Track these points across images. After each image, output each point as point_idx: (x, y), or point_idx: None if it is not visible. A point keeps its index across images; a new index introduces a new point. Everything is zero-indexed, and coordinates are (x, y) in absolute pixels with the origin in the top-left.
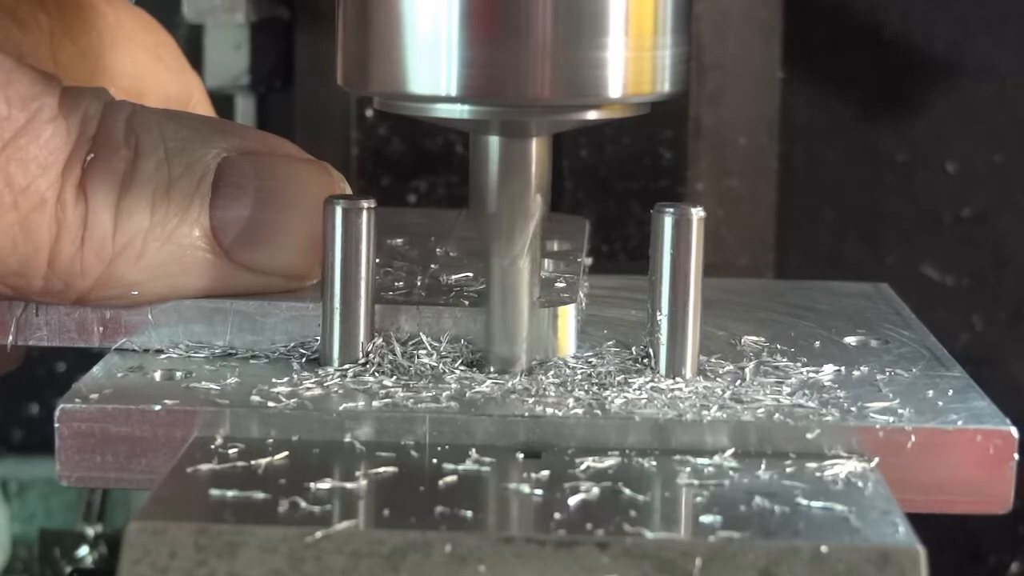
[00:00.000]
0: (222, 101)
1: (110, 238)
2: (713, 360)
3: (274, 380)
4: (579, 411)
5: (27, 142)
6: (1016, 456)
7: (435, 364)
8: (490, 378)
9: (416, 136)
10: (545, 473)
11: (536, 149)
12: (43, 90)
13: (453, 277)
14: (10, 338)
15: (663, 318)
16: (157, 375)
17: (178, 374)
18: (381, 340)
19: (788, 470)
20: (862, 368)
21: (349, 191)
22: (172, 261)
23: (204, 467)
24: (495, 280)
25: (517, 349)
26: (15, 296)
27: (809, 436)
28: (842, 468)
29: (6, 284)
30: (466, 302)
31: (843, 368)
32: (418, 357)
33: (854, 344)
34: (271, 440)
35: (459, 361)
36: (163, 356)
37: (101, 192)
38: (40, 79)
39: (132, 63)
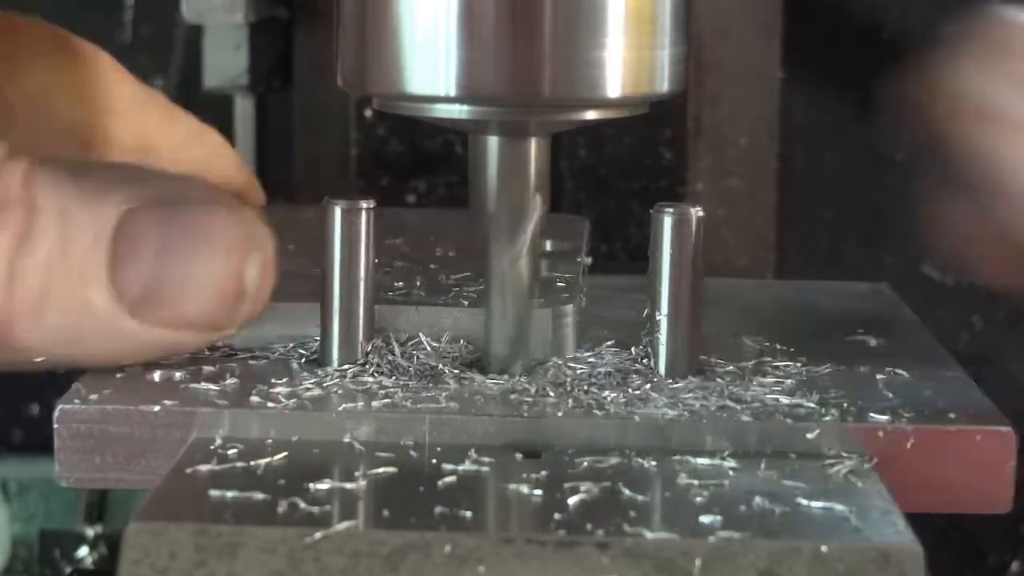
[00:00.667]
0: (221, 101)
1: (3, 304)
2: (713, 360)
3: (273, 380)
4: (579, 411)
5: None
6: (1016, 456)
7: (434, 364)
8: (490, 378)
9: (415, 136)
10: (545, 473)
11: (535, 149)
12: None
13: (453, 277)
14: None
15: (663, 318)
16: (156, 375)
17: (177, 374)
18: (380, 340)
19: (788, 470)
20: (862, 368)
21: (269, 234)
22: (72, 327)
23: (203, 468)
24: (495, 280)
25: (517, 349)
26: None
27: (809, 436)
28: (842, 468)
29: None
30: (466, 302)
31: (843, 368)
32: (417, 357)
33: (854, 344)
34: (270, 440)
35: (459, 361)
36: None
37: None
38: None
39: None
